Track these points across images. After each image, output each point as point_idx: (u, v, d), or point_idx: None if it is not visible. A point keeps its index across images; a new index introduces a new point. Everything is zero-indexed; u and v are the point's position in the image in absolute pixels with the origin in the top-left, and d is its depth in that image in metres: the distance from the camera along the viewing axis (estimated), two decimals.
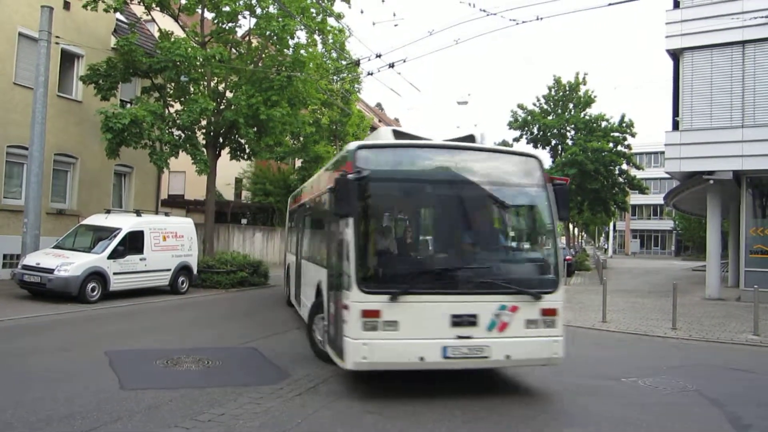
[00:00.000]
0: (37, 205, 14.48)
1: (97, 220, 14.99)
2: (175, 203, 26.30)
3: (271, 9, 18.48)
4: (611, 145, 35.67)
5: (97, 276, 13.38)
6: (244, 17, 19.27)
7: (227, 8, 18.21)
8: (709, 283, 19.23)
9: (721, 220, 21.55)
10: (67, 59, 18.49)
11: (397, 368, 6.54)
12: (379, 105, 60.84)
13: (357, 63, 18.88)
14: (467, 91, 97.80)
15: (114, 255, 13.75)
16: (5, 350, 8.47)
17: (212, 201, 20.12)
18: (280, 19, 17.70)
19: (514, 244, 7.78)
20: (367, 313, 6.18)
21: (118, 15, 19.34)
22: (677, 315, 12.66)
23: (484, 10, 12.49)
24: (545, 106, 37.56)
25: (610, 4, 11.28)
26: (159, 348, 8.88)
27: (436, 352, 6.31)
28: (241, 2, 18.57)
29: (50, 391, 6.40)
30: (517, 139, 37.46)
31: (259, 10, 18.80)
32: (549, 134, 36.91)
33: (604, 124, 36.44)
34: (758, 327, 11.68)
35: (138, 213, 15.43)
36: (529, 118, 36.97)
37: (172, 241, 15.60)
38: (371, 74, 16.41)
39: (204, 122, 18.64)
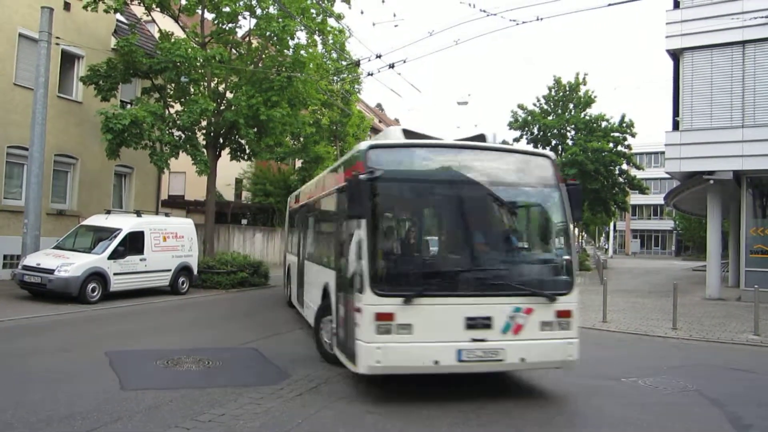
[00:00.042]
0: (37, 205, 14.49)
1: (98, 220, 14.99)
2: (176, 204, 26.31)
3: (271, 9, 18.49)
4: (611, 145, 35.66)
5: (98, 276, 13.38)
6: (245, 18, 19.29)
7: (227, 9, 18.21)
8: (709, 283, 19.22)
9: (721, 220, 21.55)
10: (68, 60, 18.50)
11: (411, 372, 6.42)
12: (379, 105, 60.84)
13: (357, 63, 18.89)
14: (467, 91, 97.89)
15: (114, 255, 13.75)
16: (6, 351, 8.47)
17: (212, 201, 20.12)
18: (280, 20, 17.70)
19: (528, 245, 7.67)
20: (380, 316, 6.07)
21: (118, 16, 19.35)
22: (677, 315, 12.65)
23: (484, 11, 12.49)
24: (545, 107, 37.56)
25: (610, 5, 11.28)
26: (159, 348, 8.88)
27: (450, 356, 6.22)
28: (241, 3, 18.57)
29: (50, 391, 6.40)
30: (517, 140, 37.44)
31: (259, 11, 18.81)
32: (549, 134, 36.89)
33: (604, 124, 36.42)
34: (758, 327, 11.67)
35: (138, 213, 15.43)
36: (530, 118, 36.97)
37: (173, 241, 15.60)
38: (371, 75, 16.38)
39: (204, 123, 18.65)
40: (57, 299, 12.77)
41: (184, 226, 16.42)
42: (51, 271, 12.81)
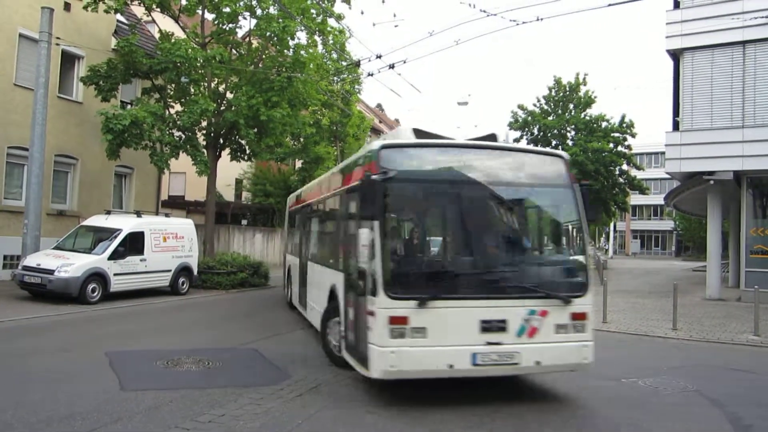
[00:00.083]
0: (37, 206, 14.49)
1: (98, 221, 15.00)
2: (176, 204, 26.30)
3: (272, 10, 18.50)
4: (611, 145, 35.66)
5: (98, 277, 13.38)
6: (245, 18, 19.29)
7: (227, 9, 18.21)
8: (709, 283, 19.22)
9: (721, 221, 21.55)
10: (68, 60, 18.51)
11: (425, 376, 6.31)
12: (379, 106, 60.83)
13: (357, 64, 18.90)
14: (467, 91, 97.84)
15: (114, 256, 13.75)
16: (6, 351, 8.48)
17: (212, 202, 20.12)
18: (281, 20, 17.70)
19: (542, 246, 7.59)
20: (394, 320, 5.95)
21: (118, 16, 19.35)
22: (678, 315, 12.65)
23: (485, 11, 12.49)
24: (545, 107, 37.56)
25: (610, 5, 11.28)
26: (159, 349, 8.88)
27: (465, 359, 6.12)
28: (241, 3, 18.57)
29: (50, 391, 6.40)
30: (517, 140, 37.38)
31: (259, 11, 18.82)
32: (549, 135, 36.88)
33: (604, 124, 36.42)
34: (759, 327, 11.67)
35: (138, 214, 15.42)
36: (530, 118, 36.96)
37: (173, 242, 15.60)
38: (371, 75, 16.34)
39: (204, 123, 18.65)
40: (57, 300, 12.77)
41: (184, 226, 16.42)
42: (51, 272, 12.81)
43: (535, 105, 37.57)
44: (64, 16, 17.34)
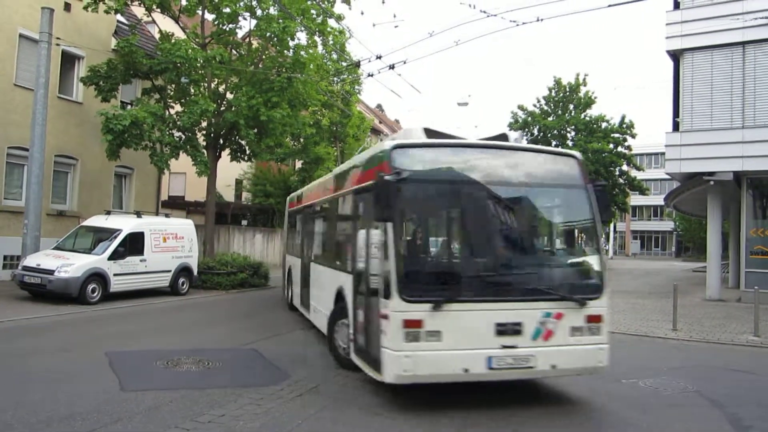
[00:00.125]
0: (37, 206, 14.49)
1: (98, 221, 15.00)
2: (176, 204, 26.31)
3: (272, 10, 18.51)
4: (611, 146, 35.71)
5: (98, 277, 13.38)
6: (245, 18, 19.30)
7: (228, 9, 18.21)
8: (709, 284, 19.21)
9: (721, 221, 21.55)
10: (68, 60, 18.51)
11: (440, 381, 6.21)
12: (379, 106, 60.86)
13: (357, 64, 18.90)
14: (467, 92, 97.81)
15: (114, 256, 13.75)
16: (6, 351, 8.47)
17: (212, 202, 20.12)
18: (281, 21, 17.70)
19: (557, 248, 7.48)
20: (408, 323, 5.84)
21: (118, 16, 19.34)
22: (678, 316, 12.64)
23: (485, 12, 12.50)
24: (545, 107, 37.61)
25: (610, 6, 11.28)
26: (159, 349, 8.87)
27: (480, 363, 6.03)
28: (241, 3, 18.58)
29: (50, 392, 6.40)
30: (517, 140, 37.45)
31: (259, 12, 18.83)
32: (549, 135, 36.92)
33: (604, 125, 36.47)
34: (759, 328, 11.66)
35: (138, 214, 15.42)
36: (530, 119, 37.02)
37: (173, 242, 15.60)
38: (371, 75, 16.32)
39: (204, 123, 18.64)
40: (57, 300, 12.76)
41: (184, 226, 16.42)
42: (51, 272, 12.81)
43: (535, 105, 37.62)
44: (64, 16, 17.34)
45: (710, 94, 18.76)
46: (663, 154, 23.81)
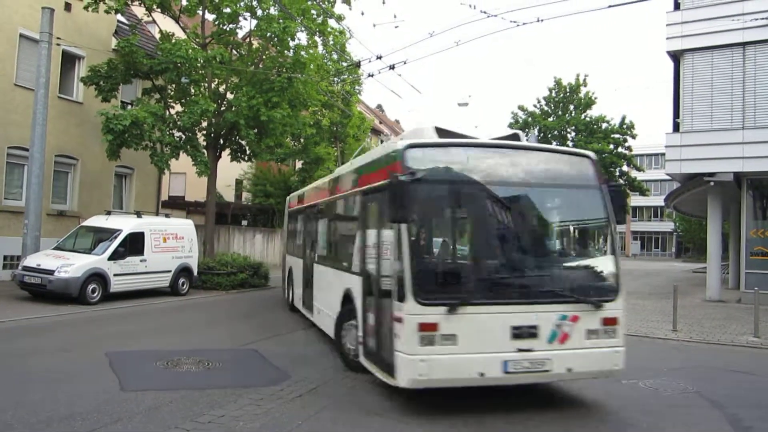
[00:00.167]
0: (37, 206, 14.49)
1: (98, 221, 15.00)
2: (176, 205, 26.32)
3: (272, 10, 18.52)
4: (612, 146, 35.75)
5: (98, 277, 13.38)
6: (245, 19, 19.32)
7: (228, 10, 18.22)
8: (709, 284, 19.21)
9: (721, 222, 21.55)
10: (68, 60, 18.51)
11: (455, 385, 6.11)
12: (379, 107, 60.88)
13: (357, 64, 18.91)
14: (468, 92, 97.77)
15: (114, 256, 13.75)
16: (6, 351, 8.47)
17: (213, 202, 20.13)
18: (281, 21, 17.71)
19: (572, 249, 7.41)
20: (424, 327, 5.74)
21: (119, 16, 19.36)
22: (678, 317, 12.64)
23: (485, 12, 12.51)
24: (546, 108, 37.68)
25: (610, 6, 11.29)
26: (159, 349, 8.87)
27: (496, 367, 5.93)
28: (241, 4, 18.59)
29: (50, 392, 6.40)
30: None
31: (259, 12, 18.84)
32: (549, 136, 36.99)
33: (604, 125, 36.53)
34: (759, 329, 11.66)
35: (138, 214, 15.42)
36: (530, 119, 37.10)
37: (173, 242, 15.60)
38: (372, 76, 16.33)
39: (204, 124, 18.65)
40: (57, 300, 12.76)
41: (184, 227, 16.42)
42: (51, 272, 12.81)
43: (535, 106, 37.68)
44: (64, 16, 17.35)
45: (710, 94, 18.76)
46: (663, 154, 23.83)
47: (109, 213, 15.95)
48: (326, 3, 19.40)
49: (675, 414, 6.62)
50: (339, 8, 42.32)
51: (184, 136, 18.27)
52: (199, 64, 17.65)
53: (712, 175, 18.19)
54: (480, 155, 6.73)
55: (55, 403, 6.00)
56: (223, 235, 25.57)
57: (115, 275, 13.76)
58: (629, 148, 37.35)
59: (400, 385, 5.99)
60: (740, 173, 18.05)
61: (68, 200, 18.89)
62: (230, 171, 26.30)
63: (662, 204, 46.85)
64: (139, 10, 19.67)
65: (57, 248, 14.15)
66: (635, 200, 58.23)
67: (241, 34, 20.13)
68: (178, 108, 18.73)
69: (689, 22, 18.98)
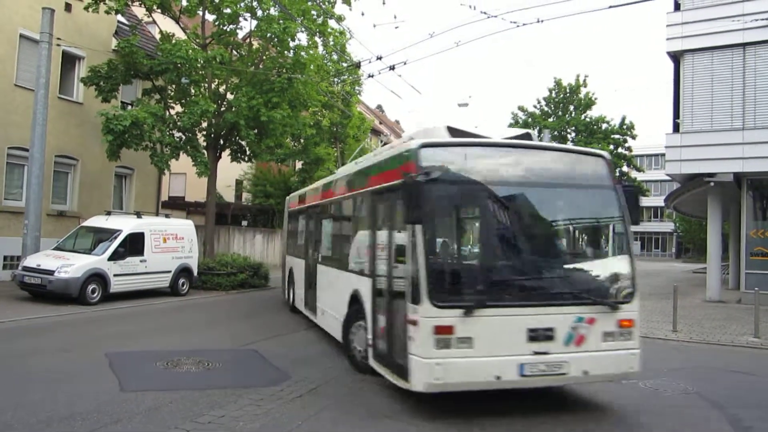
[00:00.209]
0: (37, 206, 14.48)
1: (98, 221, 15.00)
2: (176, 205, 26.32)
3: (272, 11, 18.52)
4: (612, 147, 35.74)
5: (98, 278, 13.38)
6: (245, 19, 19.30)
7: (228, 10, 18.22)
8: (709, 285, 19.21)
9: (721, 222, 21.55)
10: (68, 61, 18.52)
11: (471, 389, 6.02)
12: (379, 107, 60.91)
13: (357, 65, 18.92)
14: (468, 93, 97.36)
15: (114, 257, 13.75)
16: (6, 351, 8.47)
17: (213, 203, 20.13)
18: (281, 21, 17.73)
19: (587, 250, 7.32)
20: (440, 330, 5.65)
21: (119, 17, 19.36)
22: (678, 317, 12.64)
23: (485, 13, 12.50)
24: (546, 108, 37.69)
25: (611, 7, 11.29)
26: (159, 349, 8.87)
27: (512, 370, 5.85)
28: (242, 4, 18.58)
29: (50, 392, 6.40)
30: None
31: (260, 12, 18.84)
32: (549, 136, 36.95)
33: (604, 126, 36.53)
34: (759, 329, 11.66)
35: (138, 215, 15.43)
36: (530, 120, 37.09)
37: (173, 242, 15.60)
38: (372, 76, 16.30)
39: (205, 124, 18.66)
40: (57, 300, 12.76)
41: (184, 227, 16.41)
42: (51, 272, 12.81)
43: (535, 107, 37.69)
44: (64, 16, 17.35)
45: (710, 95, 18.77)
46: (663, 155, 23.82)
47: (109, 213, 15.96)
48: (326, 3, 19.41)
49: (675, 414, 6.61)
50: (339, 9, 42.31)
51: (184, 137, 18.28)
52: (199, 65, 17.66)
53: (712, 175, 18.20)
54: (494, 155, 6.65)
55: (54, 403, 6.00)
56: (223, 235, 25.57)
57: (115, 275, 13.76)
58: (629, 149, 37.37)
59: (415, 389, 5.90)
60: (740, 174, 18.05)
61: (68, 200, 18.89)
62: (230, 171, 26.31)
63: (662, 204, 46.86)
64: (139, 11, 19.67)
65: (57, 248, 14.15)
66: None
67: (241, 34, 20.15)
68: (178, 108, 18.74)
69: (689, 22, 18.99)
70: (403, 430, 5.73)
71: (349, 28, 29.59)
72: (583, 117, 36.54)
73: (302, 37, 19.77)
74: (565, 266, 6.82)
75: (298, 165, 29.78)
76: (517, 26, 12.26)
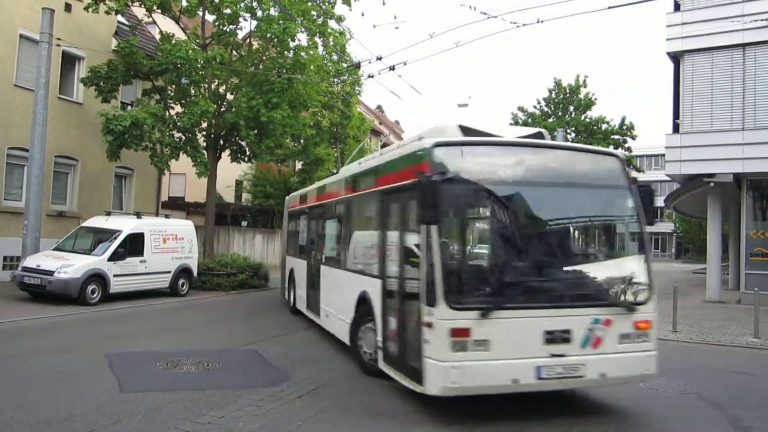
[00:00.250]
0: (37, 206, 14.48)
1: (98, 222, 15.00)
2: (176, 205, 26.30)
3: (272, 11, 18.51)
4: (612, 147, 35.69)
5: (97, 278, 13.37)
6: (245, 19, 19.30)
7: (228, 10, 18.22)
8: (709, 285, 19.21)
9: (721, 223, 21.56)
10: (68, 61, 18.52)
11: (488, 392, 5.92)
12: (379, 107, 60.91)
13: (357, 65, 18.91)
14: (468, 93, 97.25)
15: (114, 257, 13.75)
16: (5, 352, 8.47)
17: (212, 203, 20.12)
18: (281, 22, 17.73)
19: (603, 251, 7.22)
20: (456, 332, 5.55)
21: (119, 17, 19.35)
22: (678, 318, 12.64)
23: (485, 13, 12.51)
24: (546, 109, 37.64)
25: (610, 7, 11.30)
26: (159, 350, 8.87)
27: (529, 373, 5.76)
28: (242, 4, 18.58)
29: (50, 393, 6.39)
30: None
31: (259, 13, 18.83)
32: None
33: (604, 126, 36.50)
34: (759, 330, 11.67)
35: (138, 215, 15.43)
36: (530, 120, 37.03)
37: (173, 243, 15.60)
38: (372, 77, 16.28)
39: (204, 124, 18.66)
40: (57, 301, 12.76)
41: (184, 227, 16.41)
42: (51, 273, 12.80)
43: (535, 107, 37.65)
44: (64, 16, 17.35)
45: (710, 95, 18.77)
46: (663, 155, 23.81)
47: (108, 214, 15.95)
48: (326, 4, 19.42)
49: (675, 414, 6.62)
50: (339, 9, 42.26)
51: (184, 137, 18.27)
52: (199, 65, 17.66)
53: (711, 176, 18.20)
54: (508, 154, 6.56)
55: (54, 403, 6.00)
56: (222, 235, 25.56)
57: (114, 276, 13.76)
58: (629, 149, 37.33)
59: (430, 393, 5.80)
60: (740, 174, 18.06)
61: (68, 201, 18.89)
62: (230, 172, 26.31)
63: (662, 205, 46.84)
64: (139, 11, 19.67)
65: (57, 249, 14.15)
66: None
67: (241, 35, 20.13)
68: (178, 109, 18.74)
69: (689, 23, 19.00)
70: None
71: (349, 29, 29.62)
72: (583, 117, 36.52)
73: (302, 38, 19.82)
74: (581, 267, 6.74)
75: (298, 165, 29.78)
76: (517, 27, 12.28)
